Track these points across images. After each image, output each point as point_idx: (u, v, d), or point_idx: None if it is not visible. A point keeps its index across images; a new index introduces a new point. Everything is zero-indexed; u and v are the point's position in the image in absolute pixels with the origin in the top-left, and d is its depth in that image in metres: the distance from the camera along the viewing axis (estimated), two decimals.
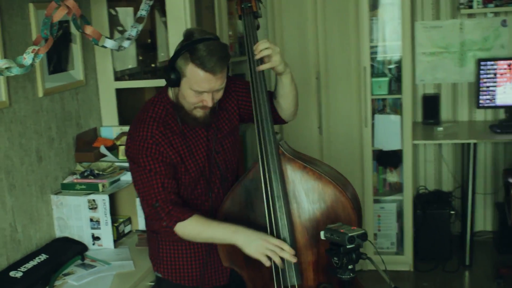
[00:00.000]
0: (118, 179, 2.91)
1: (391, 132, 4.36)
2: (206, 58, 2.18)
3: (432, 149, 4.89)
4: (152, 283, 2.57)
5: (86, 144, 3.10)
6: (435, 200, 4.65)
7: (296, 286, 2.36)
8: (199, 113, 2.31)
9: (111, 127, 3.24)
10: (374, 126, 4.39)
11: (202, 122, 2.34)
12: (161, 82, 3.30)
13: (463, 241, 4.65)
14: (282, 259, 2.24)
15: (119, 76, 3.34)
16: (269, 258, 2.23)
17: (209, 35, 2.26)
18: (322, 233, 2.08)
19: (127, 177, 2.92)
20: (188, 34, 2.27)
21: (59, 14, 2.34)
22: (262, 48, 2.30)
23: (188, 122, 2.35)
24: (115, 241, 2.81)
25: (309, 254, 2.37)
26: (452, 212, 4.57)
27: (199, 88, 2.23)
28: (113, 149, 3.10)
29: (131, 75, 3.45)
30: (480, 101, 4.54)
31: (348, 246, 2.01)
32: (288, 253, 2.24)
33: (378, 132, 4.40)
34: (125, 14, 3.51)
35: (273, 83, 2.52)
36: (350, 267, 2.05)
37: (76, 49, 3.06)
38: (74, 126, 3.05)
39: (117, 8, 3.45)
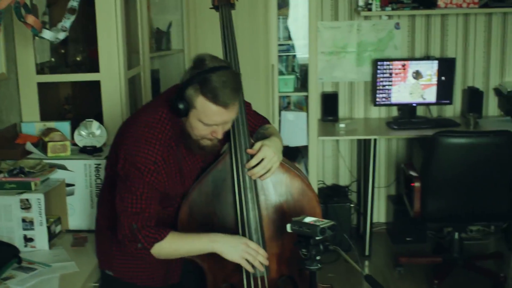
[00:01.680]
0: (48, 178, 2.77)
1: (298, 128, 4.48)
2: (218, 90, 2.06)
3: (331, 145, 5.08)
4: (96, 284, 2.48)
5: (7, 140, 2.93)
6: (335, 194, 4.84)
7: (265, 278, 2.38)
8: (206, 142, 2.23)
9: (33, 123, 3.07)
10: (280, 123, 4.49)
11: (209, 152, 2.28)
12: (89, 77, 3.21)
13: (359, 232, 4.90)
14: None
15: (39, 69, 3.18)
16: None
17: (222, 63, 2.15)
18: (288, 226, 2.09)
19: (57, 175, 2.80)
20: (198, 61, 2.14)
21: (5, 2, 2.22)
22: (257, 171, 2.26)
23: (194, 150, 2.27)
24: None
25: (273, 246, 2.40)
26: (352, 205, 4.79)
27: (210, 122, 2.14)
28: (37, 145, 2.95)
29: (52, 68, 3.29)
30: (377, 99, 4.78)
31: (317, 238, 2.06)
32: (263, 257, 2.27)
33: (284, 129, 4.50)
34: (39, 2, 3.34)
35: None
36: (318, 258, 2.11)
37: None
38: None
39: None
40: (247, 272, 2.34)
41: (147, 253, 2.21)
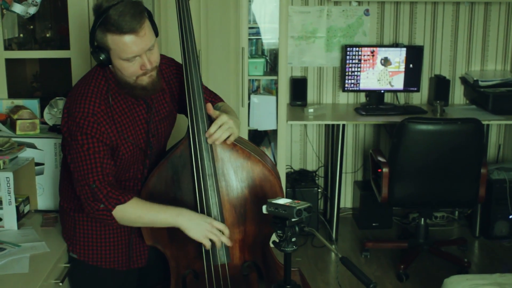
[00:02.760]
0: (17, 156, 2.70)
1: (267, 112, 4.46)
2: (119, 21, 2.08)
3: (299, 129, 5.08)
4: (67, 265, 2.43)
5: None
6: (302, 179, 4.85)
7: (226, 265, 2.37)
8: (144, 81, 2.21)
9: (0, 100, 2.98)
10: (249, 106, 4.46)
11: (152, 89, 2.24)
12: (59, 54, 3.13)
13: (326, 217, 4.91)
14: None
15: (7, 45, 3.09)
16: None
17: (116, 0, 2.14)
18: (264, 207, 2.08)
19: (26, 154, 2.73)
20: (96, 8, 2.15)
21: None
22: (217, 136, 2.25)
23: (137, 95, 2.24)
24: None
25: (235, 233, 2.39)
26: (319, 190, 4.80)
27: (128, 54, 2.13)
28: (5, 123, 2.87)
29: (20, 44, 3.20)
30: (346, 85, 4.79)
31: (293, 219, 2.05)
32: (226, 238, 2.25)
33: (253, 112, 4.48)
34: None
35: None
36: (293, 239, 2.10)
37: None
38: None
39: None
40: (208, 259, 2.32)
41: (109, 215, 2.18)
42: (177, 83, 2.45)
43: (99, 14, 2.11)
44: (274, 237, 2.16)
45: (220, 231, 2.25)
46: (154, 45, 2.20)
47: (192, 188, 2.33)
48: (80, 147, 2.16)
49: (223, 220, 2.33)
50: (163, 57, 2.42)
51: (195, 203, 2.32)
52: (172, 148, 2.39)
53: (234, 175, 2.36)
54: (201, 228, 2.22)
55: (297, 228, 2.10)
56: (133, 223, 2.26)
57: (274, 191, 2.38)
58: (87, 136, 2.16)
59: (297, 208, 2.04)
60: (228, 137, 2.28)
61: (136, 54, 2.14)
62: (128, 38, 2.11)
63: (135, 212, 2.20)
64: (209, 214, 2.30)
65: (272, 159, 4.51)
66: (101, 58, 2.15)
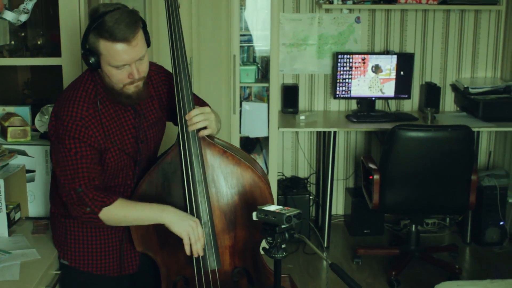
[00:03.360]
0: (8, 163, 2.70)
1: (258, 119, 4.47)
2: (113, 28, 2.09)
3: (290, 136, 5.10)
4: (58, 272, 2.43)
5: None
6: (294, 186, 4.86)
7: (216, 271, 2.38)
8: (130, 90, 2.22)
9: None
10: (241, 113, 4.47)
11: (137, 98, 2.25)
12: (50, 61, 3.13)
13: (317, 224, 4.92)
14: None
15: None
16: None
17: (113, 6, 2.16)
18: (254, 214, 2.10)
19: (17, 161, 2.73)
20: (93, 12, 2.17)
21: None
22: (197, 120, 2.28)
23: (122, 102, 2.25)
24: None
25: (226, 239, 2.39)
26: (311, 197, 4.81)
27: (118, 62, 2.14)
28: None
29: (11, 51, 3.20)
30: (337, 92, 4.81)
31: (283, 226, 2.06)
32: (201, 248, 2.26)
33: (245, 119, 4.49)
34: None
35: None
36: (283, 246, 2.11)
37: None
38: None
39: None
40: (198, 265, 2.34)
41: (96, 218, 2.20)
42: (165, 90, 2.46)
43: (95, 18, 2.13)
44: (264, 244, 2.17)
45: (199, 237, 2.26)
46: (144, 55, 2.21)
47: (182, 194, 2.34)
48: (68, 151, 2.16)
49: (213, 226, 2.34)
50: (152, 64, 2.43)
51: (185, 209, 2.32)
52: (163, 154, 2.40)
53: (224, 181, 2.37)
54: (185, 224, 2.23)
55: (287, 235, 2.10)
56: (120, 223, 2.28)
57: (264, 197, 2.39)
58: (74, 140, 2.16)
59: (287, 214, 2.05)
60: (204, 128, 2.31)
61: (126, 62, 2.16)
62: (119, 46, 2.12)
63: (120, 212, 2.22)
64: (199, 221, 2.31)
65: (264, 166, 4.52)
66: (90, 61, 2.17)
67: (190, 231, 2.23)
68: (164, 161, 2.36)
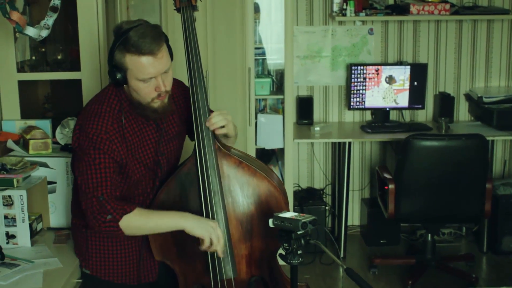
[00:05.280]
0: (30, 175, 2.77)
1: (274, 131, 4.52)
2: (139, 42, 2.16)
3: (306, 148, 5.14)
4: (79, 280, 2.49)
5: None
6: (310, 197, 4.89)
7: (232, 280, 2.41)
8: (156, 104, 2.29)
9: (13, 121, 3.07)
10: (257, 125, 4.53)
11: (162, 112, 2.32)
12: (70, 75, 3.21)
13: (334, 235, 4.95)
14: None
15: (19, 67, 3.17)
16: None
17: (137, 22, 2.24)
18: (270, 220, 2.14)
19: (38, 173, 2.80)
20: (117, 29, 2.25)
21: None
22: (216, 120, 2.35)
23: (148, 116, 2.32)
24: None
25: (242, 248, 2.43)
26: (327, 208, 4.85)
27: (145, 75, 2.21)
28: (18, 143, 2.94)
29: (32, 66, 3.29)
30: (351, 103, 4.85)
31: (299, 232, 2.10)
32: (221, 248, 2.30)
33: (260, 131, 4.54)
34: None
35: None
36: (299, 252, 2.15)
37: None
38: None
39: None
40: (215, 274, 2.37)
41: (115, 226, 2.23)
42: (183, 104, 2.52)
43: (120, 34, 2.20)
44: (281, 250, 2.21)
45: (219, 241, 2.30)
46: (169, 68, 2.28)
47: (199, 204, 2.38)
48: (92, 161, 2.23)
49: (229, 236, 2.39)
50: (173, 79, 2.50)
51: None
52: (180, 165, 2.45)
53: (240, 191, 2.42)
54: (206, 226, 2.27)
55: (302, 241, 2.15)
56: (139, 231, 2.32)
57: (279, 207, 2.42)
58: (99, 151, 2.23)
59: (302, 221, 2.09)
60: (222, 127, 2.38)
61: (153, 75, 2.22)
62: (146, 60, 2.19)
63: (140, 219, 2.27)
64: None
65: (280, 178, 4.55)
66: (117, 77, 2.23)
67: (212, 232, 2.27)
68: (181, 172, 2.41)
